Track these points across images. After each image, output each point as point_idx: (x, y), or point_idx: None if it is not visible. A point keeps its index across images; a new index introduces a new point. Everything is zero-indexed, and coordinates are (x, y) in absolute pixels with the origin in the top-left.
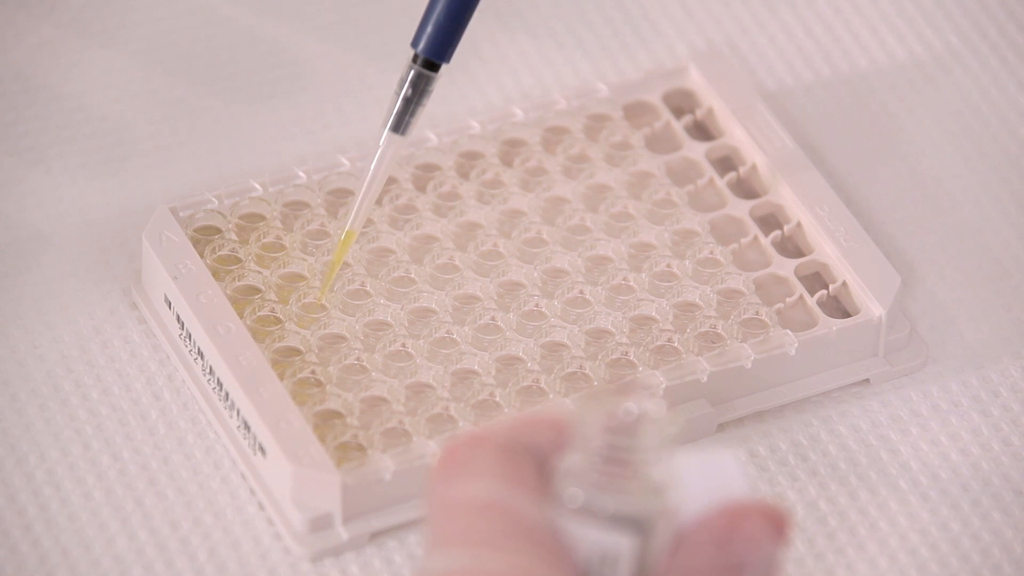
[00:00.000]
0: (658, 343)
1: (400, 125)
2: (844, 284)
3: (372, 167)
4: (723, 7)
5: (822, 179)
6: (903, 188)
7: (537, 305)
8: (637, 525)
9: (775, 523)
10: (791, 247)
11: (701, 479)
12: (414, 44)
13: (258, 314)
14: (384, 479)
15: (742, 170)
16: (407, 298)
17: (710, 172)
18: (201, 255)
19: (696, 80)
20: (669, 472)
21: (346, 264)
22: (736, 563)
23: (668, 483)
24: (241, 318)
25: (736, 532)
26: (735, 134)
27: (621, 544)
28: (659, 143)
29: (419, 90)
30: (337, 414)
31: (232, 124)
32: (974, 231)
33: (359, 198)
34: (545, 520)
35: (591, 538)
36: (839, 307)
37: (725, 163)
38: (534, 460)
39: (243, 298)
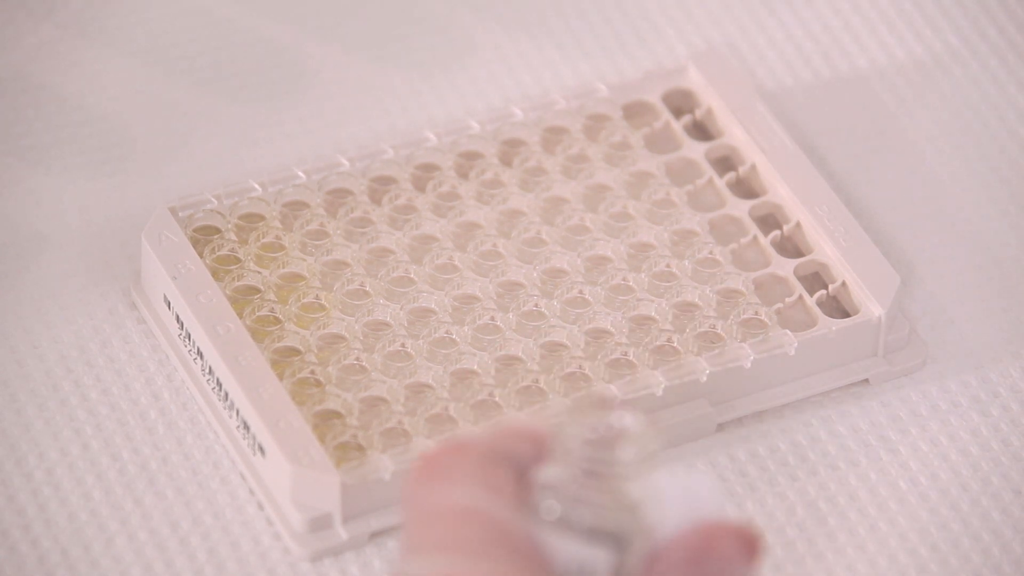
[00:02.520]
0: (657, 343)
1: None
2: (843, 284)
3: None
4: (723, 7)
5: (821, 179)
6: (903, 188)
7: (536, 305)
8: (614, 540)
9: (748, 543)
10: (790, 247)
11: (677, 498)
12: None
13: (257, 314)
14: (383, 479)
15: (741, 170)
16: (406, 298)
17: (709, 172)
18: (200, 255)
19: (695, 80)
20: (647, 489)
21: (346, 264)
22: None
23: (645, 500)
24: (240, 318)
25: (709, 551)
26: (734, 134)
27: (598, 558)
28: (658, 143)
29: None
30: (336, 414)
31: (232, 124)
32: (974, 231)
33: None
34: (524, 529)
35: (568, 550)
36: (838, 307)
37: (724, 163)
38: (514, 470)
39: (242, 298)
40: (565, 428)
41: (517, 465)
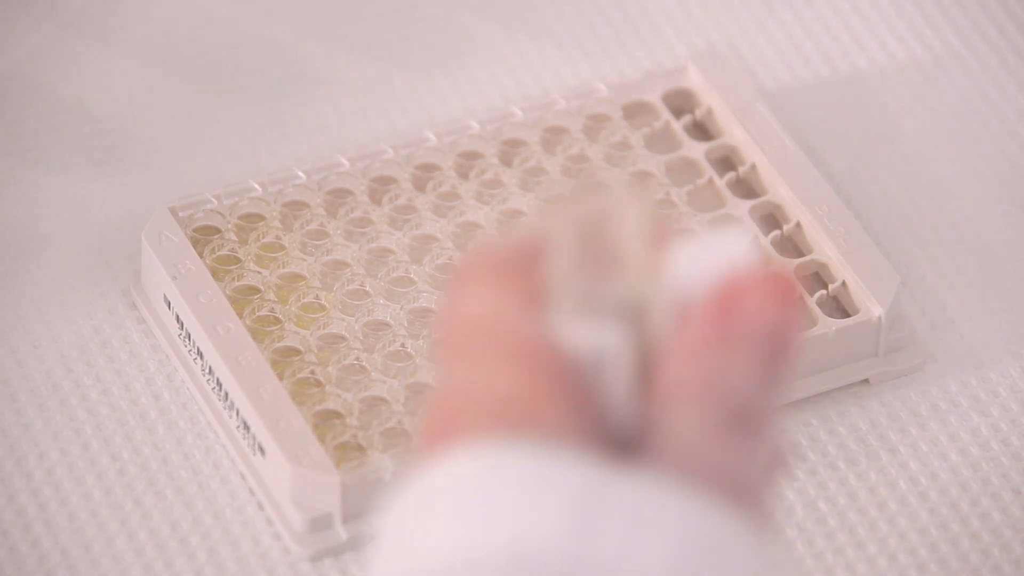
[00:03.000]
0: None
1: None
2: (843, 284)
3: None
4: (723, 7)
5: (822, 179)
6: (903, 188)
7: None
8: (630, 316)
9: (778, 288)
10: (790, 247)
11: (703, 261)
12: None
13: (257, 314)
14: (383, 479)
15: (741, 170)
16: (406, 298)
17: (709, 172)
18: (200, 255)
19: (696, 80)
20: (661, 257)
21: (346, 264)
22: (737, 334)
23: (659, 269)
24: (240, 318)
25: (735, 301)
26: (734, 134)
27: (615, 340)
28: (658, 143)
29: None
30: (336, 414)
31: (232, 124)
32: (974, 231)
33: None
34: (539, 331)
35: (585, 340)
36: (838, 307)
37: (724, 163)
38: (527, 273)
39: (242, 298)
40: (561, 223)
41: (529, 267)
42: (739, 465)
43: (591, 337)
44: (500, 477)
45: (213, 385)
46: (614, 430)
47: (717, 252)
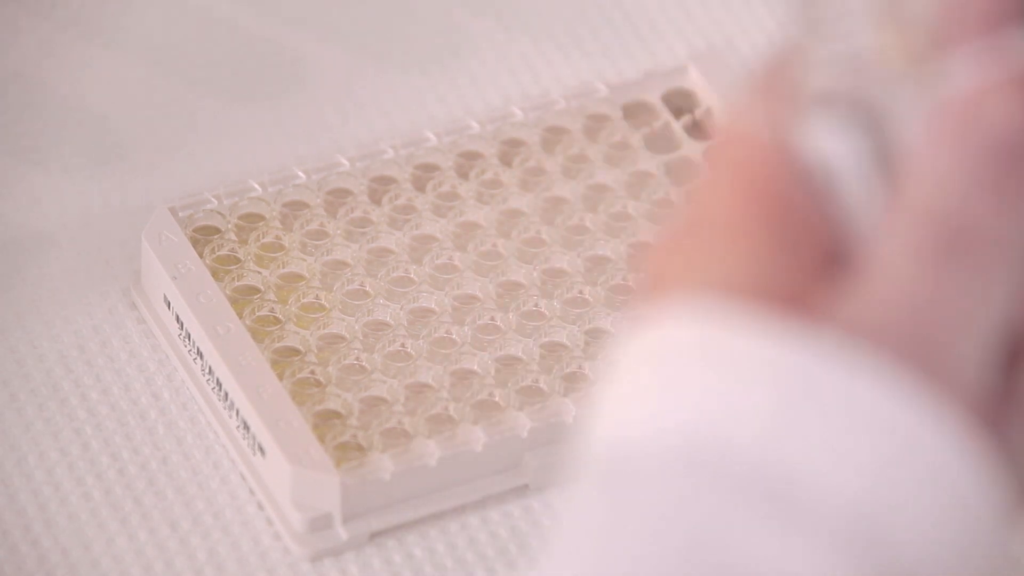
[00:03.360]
0: None
1: None
2: None
3: None
4: (723, 7)
5: None
6: None
7: (536, 305)
8: (877, 119)
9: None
10: None
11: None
12: None
13: (257, 314)
14: (383, 479)
15: None
16: (406, 298)
17: None
18: (200, 255)
19: (695, 80)
20: (939, 54)
21: (346, 264)
22: (968, 141)
23: (932, 64)
24: (240, 318)
25: (973, 103)
26: None
27: (853, 145)
28: (658, 143)
29: None
30: (336, 414)
31: (232, 124)
32: None
33: None
34: (785, 155)
35: (821, 145)
36: None
37: None
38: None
39: (242, 298)
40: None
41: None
42: (957, 308)
43: (828, 141)
44: (707, 351)
45: (213, 385)
46: (842, 246)
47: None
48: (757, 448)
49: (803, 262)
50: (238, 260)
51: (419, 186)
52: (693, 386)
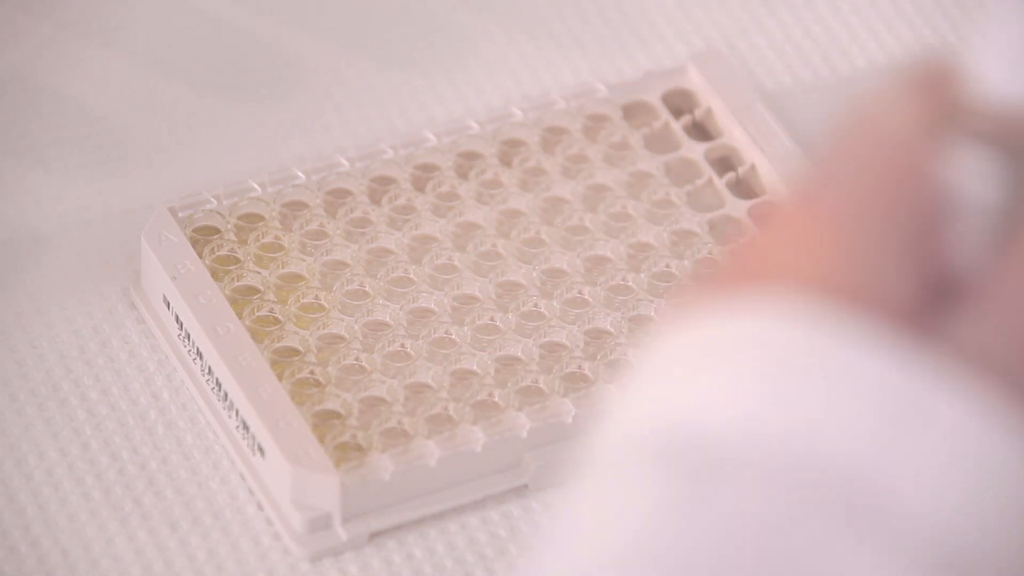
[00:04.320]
0: None
1: None
2: None
3: None
4: (722, 8)
5: None
6: None
7: (536, 305)
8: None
9: None
10: None
11: None
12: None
13: (257, 314)
14: (383, 479)
15: (741, 170)
16: (406, 298)
17: (709, 172)
18: (200, 255)
19: (695, 80)
20: None
21: (345, 264)
22: None
23: None
24: (240, 318)
25: None
26: (734, 134)
27: (995, 178)
28: (658, 143)
29: None
30: (336, 414)
31: (232, 124)
32: None
33: None
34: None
35: (965, 172)
36: None
37: (724, 163)
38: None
39: (242, 298)
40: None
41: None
42: None
43: (972, 182)
44: (815, 358)
45: (212, 385)
46: (950, 276)
47: None
48: (853, 464)
49: (922, 277)
50: (238, 260)
51: (419, 186)
52: (797, 392)
